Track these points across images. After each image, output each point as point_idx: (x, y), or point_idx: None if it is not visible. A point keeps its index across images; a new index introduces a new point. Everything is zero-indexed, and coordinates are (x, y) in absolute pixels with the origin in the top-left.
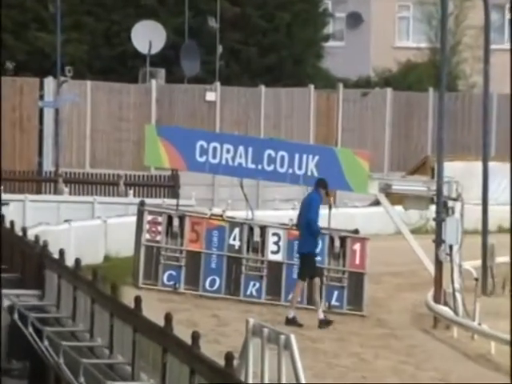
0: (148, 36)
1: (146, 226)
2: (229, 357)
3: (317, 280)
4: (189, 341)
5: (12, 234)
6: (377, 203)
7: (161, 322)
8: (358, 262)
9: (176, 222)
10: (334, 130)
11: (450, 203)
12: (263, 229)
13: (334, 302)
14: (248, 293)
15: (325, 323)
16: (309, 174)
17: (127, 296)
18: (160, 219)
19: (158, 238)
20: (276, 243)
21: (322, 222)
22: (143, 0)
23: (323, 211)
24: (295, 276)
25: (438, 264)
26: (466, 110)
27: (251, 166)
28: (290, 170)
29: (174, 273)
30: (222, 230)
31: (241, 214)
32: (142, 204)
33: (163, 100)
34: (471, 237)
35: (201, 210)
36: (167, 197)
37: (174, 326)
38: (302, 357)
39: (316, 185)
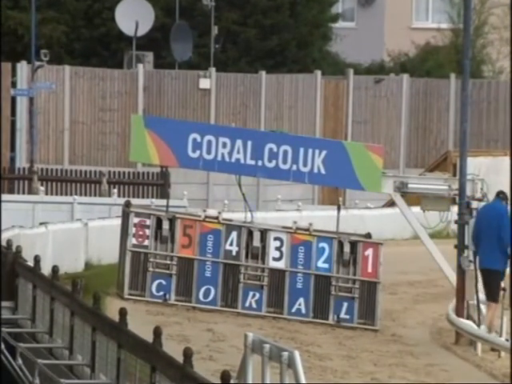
0: (134, 16)
1: (133, 230)
2: (225, 376)
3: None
4: (180, 358)
5: None
6: (391, 204)
7: (149, 338)
8: (370, 269)
9: (166, 225)
10: (344, 122)
11: (474, 204)
12: (264, 233)
13: (343, 315)
14: (247, 304)
15: None
16: (315, 171)
17: (111, 308)
18: (148, 222)
19: (146, 242)
20: (278, 249)
21: (330, 225)
22: None
23: (331, 213)
24: (299, 286)
25: (461, 272)
26: (492, 99)
27: (250, 162)
28: (294, 167)
29: (163, 282)
30: (218, 234)
31: (239, 216)
32: (127, 205)
33: (151, 87)
34: None
35: (194, 211)
36: (156, 197)
37: (163, 342)
38: (308, 376)
39: (499, 195)
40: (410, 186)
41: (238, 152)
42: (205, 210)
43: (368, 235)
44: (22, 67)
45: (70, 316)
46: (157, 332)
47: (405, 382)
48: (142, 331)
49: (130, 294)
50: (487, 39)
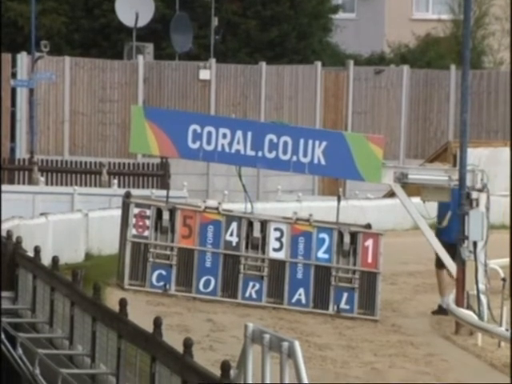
0: (134, 7)
1: (133, 220)
2: (225, 366)
3: None
4: (180, 348)
5: None
6: (391, 195)
7: (149, 328)
8: (370, 260)
9: (166, 215)
10: (344, 113)
11: (474, 194)
12: (264, 223)
13: (343, 305)
14: (247, 295)
15: None
16: (315, 161)
17: (111, 298)
18: (148, 212)
19: (146, 233)
20: (278, 239)
21: (330, 216)
22: None
23: (331, 203)
24: (299, 276)
25: (461, 263)
26: (493, 90)
27: (250, 152)
28: (294, 158)
29: (163, 272)
30: (218, 225)
31: (239, 207)
32: (127, 195)
33: (151, 78)
34: (498, 232)
35: (194, 202)
36: (156, 187)
37: (163, 332)
38: (308, 366)
39: None
40: (410, 176)
41: (238, 143)
42: (205, 201)
43: (368, 226)
44: (22, 58)
45: (70, 306)
46: (157, 322)
47: (405, 372)
48: (142, 321)
49: (130, 285)
50: (488, 30)
